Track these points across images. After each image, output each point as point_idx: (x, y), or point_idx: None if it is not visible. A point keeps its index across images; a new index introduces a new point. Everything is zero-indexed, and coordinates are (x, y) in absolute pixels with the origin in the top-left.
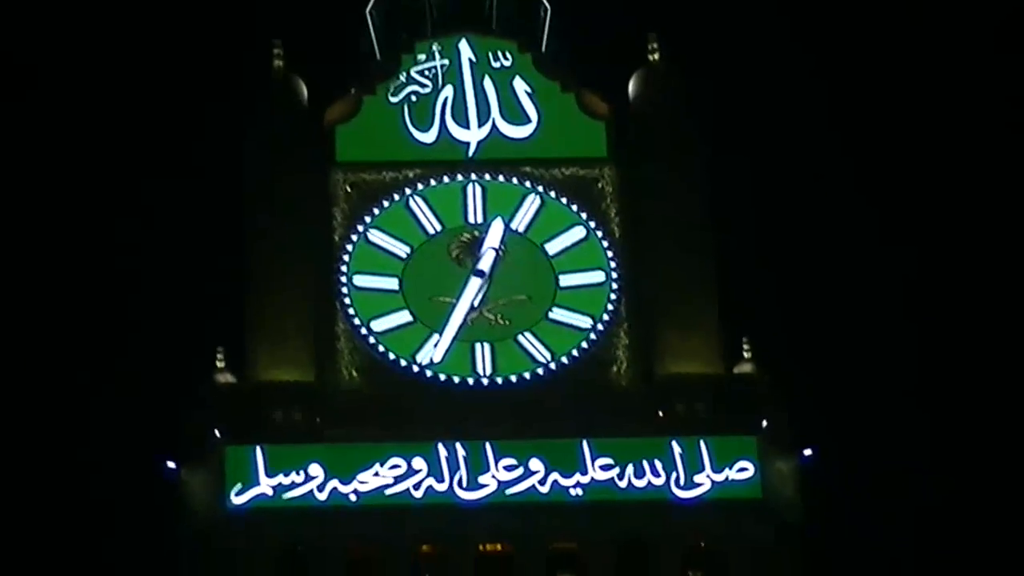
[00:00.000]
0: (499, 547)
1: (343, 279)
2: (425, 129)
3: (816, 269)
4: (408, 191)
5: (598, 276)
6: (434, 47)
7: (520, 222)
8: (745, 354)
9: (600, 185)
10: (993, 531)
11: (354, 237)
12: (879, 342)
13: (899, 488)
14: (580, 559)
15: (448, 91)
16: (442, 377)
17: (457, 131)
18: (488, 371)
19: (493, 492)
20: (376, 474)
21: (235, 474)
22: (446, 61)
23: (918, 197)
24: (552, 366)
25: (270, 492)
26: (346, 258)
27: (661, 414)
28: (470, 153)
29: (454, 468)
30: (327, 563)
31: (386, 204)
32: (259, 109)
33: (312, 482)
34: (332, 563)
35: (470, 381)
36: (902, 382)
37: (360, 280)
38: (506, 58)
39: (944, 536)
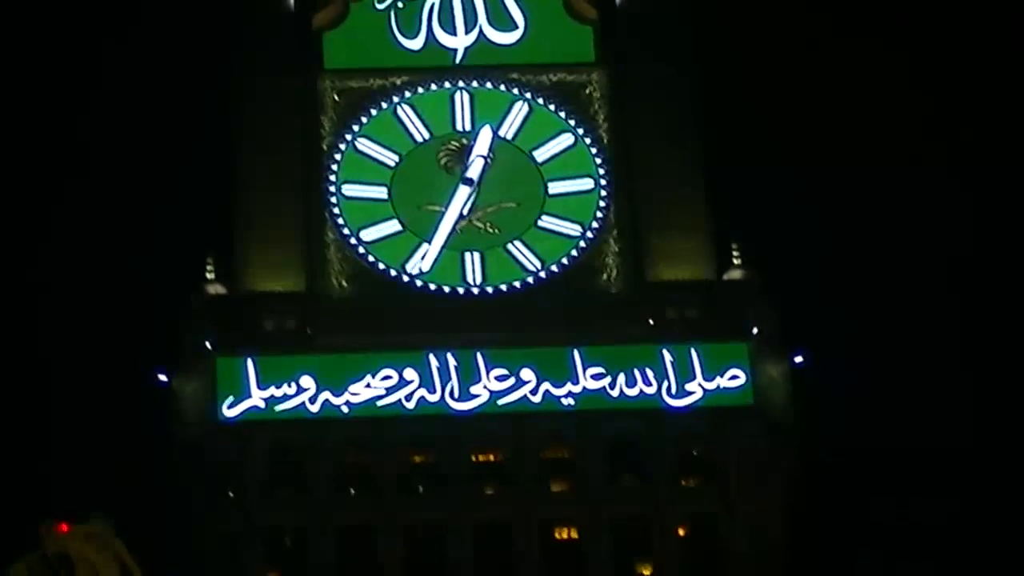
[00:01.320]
0: (491, 456)
1: (332, 188)
2: (412, 35)
3: (808, 173)
4: (396, 98)
5: (587, 183)
6: None
7: (508, 129)
8: (735, 260)
9: (588, 90)
10: (987, 431)
11: (342, 146)
12: (872, 244)
13: (891, 391)
14: (572, 467)
15: None
16: (432, 286)
17: (444, 37)
18: (478, 280)
19: (485, 402)
20: (368, 385)
21: (226, 386)
22: None
23: (913, 85)
24: (542, 274)
25: (262, 404)
26: (335, 167)
27: (652, 321)
28: (457, 59)
29: (445, 378)
30: (319, 475)
31: (374, 112)
32: (246, 13)
33: (304, 394)
34: (324, 474)
35: (460, 290)
36: (895, 286)
37: (349, 189)
38: None
39: (937, 439)
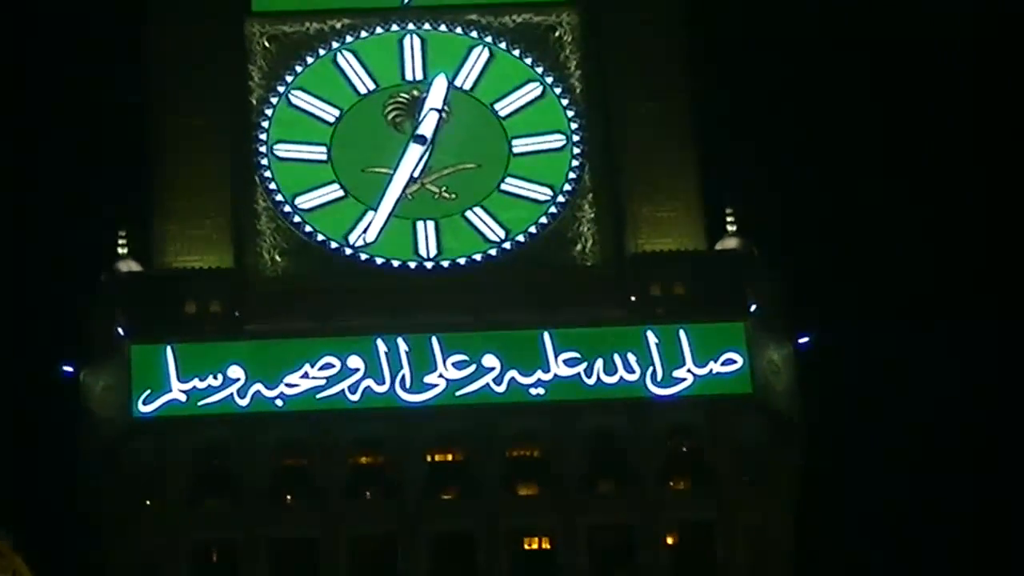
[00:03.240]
0: (449, 456)
1: (263, 149)
2: None
3: (813, 127)
4: (336, 44)
5: (558, 140)
6: None
7: (466, 79)
8: (729, 227)
9: (559, 33)
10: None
11: (274, 100)
12: (887, 208)
13: (912, 377)
14: (544, 468)
15: None
16: (379, 260)
17: None
18: (432, 252)
19: (441, 393)
20: (305, 375)
21: (142, 378)
22: None
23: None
24: (506, 245)
25: (183, 398)
26: (266, 124)
27: (634, 299)
28: None
29: (396, 366)
30: (250, 478)
31: (310, 60)
32: None
33: (232, 386)
34: (256, 478)
35: (411, 264)
36: (914, 256)
37: (283, 150)
38: None
39: (964, 431)
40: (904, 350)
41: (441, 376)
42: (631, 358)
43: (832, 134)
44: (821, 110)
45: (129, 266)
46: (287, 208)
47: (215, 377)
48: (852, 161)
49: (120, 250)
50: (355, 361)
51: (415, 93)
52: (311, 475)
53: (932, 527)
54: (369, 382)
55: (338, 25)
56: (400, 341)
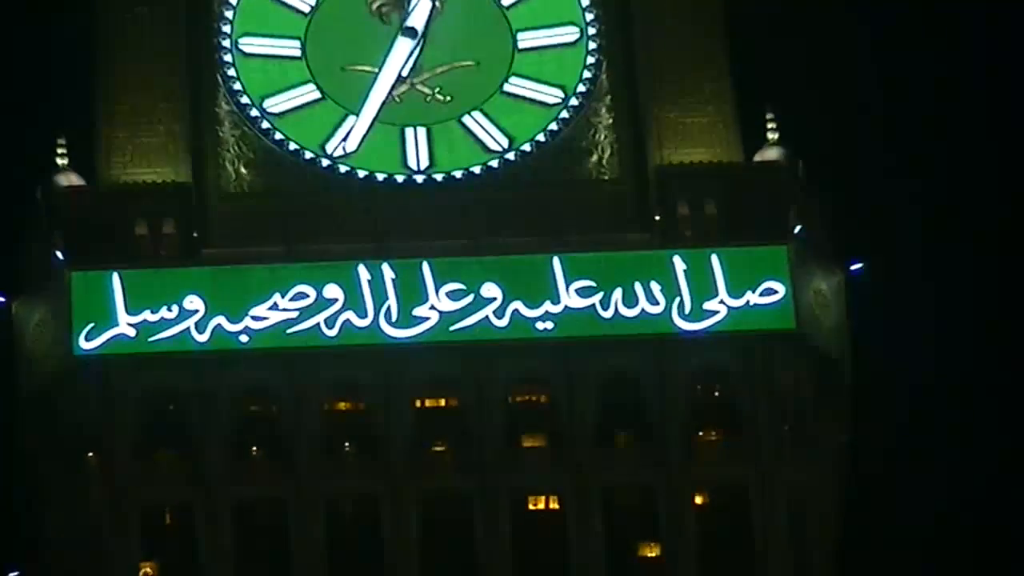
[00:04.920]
0: (442, 402)
1: (225, 43)
2: None
3: (866, 12)
4: None
5: (570, 33)
6: None
7: None
8: (770, 135)
9: None
10: None
11: None
12: (954, 109)
13: (981, 315)
14: (552, 416)
15: None
16: (361, 173)
17: None
18: (423, 164)
19: (433, 328)
20: (275, 307)
21: (84, 309)
22: None
23: None
24: (510, 156)
25: (132, 332)
26: (229, 14)
27: (658, 218)
28: None
29: (380, 297)
30: (210, 428)
31: None
32: None
33: (189, 319)
34: (216, 428)
35: (399, 178)
36: (984, 172)
37: (249, 44)
38: None
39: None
40: (974, 281)
41: (433, 308)
42: (655, 288)
43: (893, 25)
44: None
45: (69, 179)
46: (254, 112)
47: (169, 309)
48: (916, 60)
49: (58, 160)
50: (333, 291)
51: None
52: (280, 425)
53: (994, 483)
54: (349, 315)
55: None
56: (385, 267)
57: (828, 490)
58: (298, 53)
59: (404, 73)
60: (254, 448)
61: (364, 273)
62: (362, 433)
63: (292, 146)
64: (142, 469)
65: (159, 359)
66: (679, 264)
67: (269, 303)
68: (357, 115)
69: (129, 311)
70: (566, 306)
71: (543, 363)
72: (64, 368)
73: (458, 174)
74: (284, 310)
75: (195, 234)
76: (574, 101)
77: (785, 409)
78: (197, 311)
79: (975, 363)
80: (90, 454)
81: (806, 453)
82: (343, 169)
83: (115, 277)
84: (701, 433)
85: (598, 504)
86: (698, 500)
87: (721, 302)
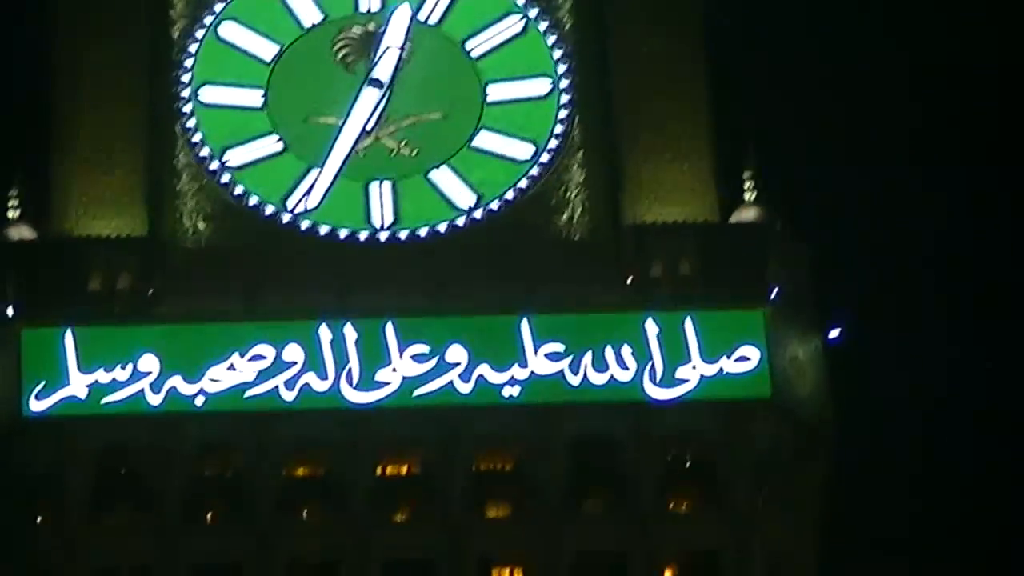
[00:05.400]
0: (405, 467)
1: (185, 92)
2: None
3: (846, 72)
4: None
5: (542, 86)
6: None
7: (432, 10)
8: (747, 194)
9: None
10: None
11: (200, 32)
12: (932, 177)
13: (960, 380)
14: (519, 482)
15: None
16: (324, 229)
17: None
18: (388, 220)
19: (395, 392)
20: (232, 368)
21: (35, 368)
22: None
23: None
24: (477, 213)
25: (84, 393)
26: (189, 63)
27: (631, 279)
28: None
29: (342, 359)
30: (166, 492)
31: None
32: None
33: (143, 379)
34: (173, 492)
35: (362, 235)
36: (963, 232)
37: (209, 93)
38: None
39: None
40: (953, 347)
41: (396, 371)
42: (626, 352)
43: (872, 84)
44: (856, 52)
45: (21, 232)
46: (213, 164)
47: (123, 368)
48: (894, 125)
49: (10, 212)
50: (293, 351)
51: (370, 27)
52: (238, 486)
53: (973, 551)
54: (309, 377)
55: None
56: (348, 328)
57: (804, 555)
58: (260, 103)
59: (369, 126)
60: (210, 510)
61: (325, 333)
62: (323, 497)
63: (252, 200)
64: (94, 530)
65: (112, 420)
66: (652, 327)
67: (226, 363)
68: (320, 168)
69: (82, 369)
70: (533, 371)
71: (509, 428)
72: (12, 429)
73: (423, 231)
74: (242, 371)
75: (151, 290)
76: (545, 156)
77: (761, 473)
78: (151, 371)
79: (955, 428)
80: (40, 515)
81: (782, 517)
82: (305, 225)
83: (67, 334)
84: (673, 500)
85: (567, 572)
86: (667, 573)
87: (694, 368)
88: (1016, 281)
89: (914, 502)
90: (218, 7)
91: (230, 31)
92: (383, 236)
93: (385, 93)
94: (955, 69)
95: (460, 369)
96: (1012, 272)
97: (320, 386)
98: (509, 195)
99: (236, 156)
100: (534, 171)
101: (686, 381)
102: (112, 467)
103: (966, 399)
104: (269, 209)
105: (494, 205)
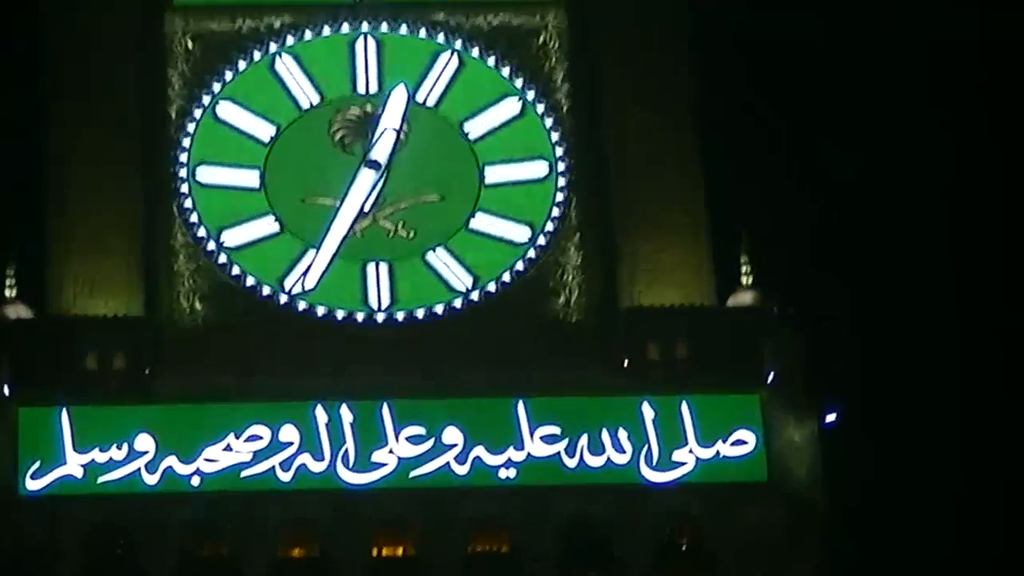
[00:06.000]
0: (400, 549)
1: (182, 172)
2: None
3: (841, 161)
4: (273, 46)
5: (539, 168)
6: None
7: (429, 92)
8: (744, 278)
9: (543, 38)
10: None
11: (197, 112)
12: (929, 259)
13: (958, 462)
14: (514, 565)
15: None
16: (320, 310)
17: None
18: (384, 302)
19: (391, 474)
20: (228, 448)
21: (31, 447)
22: None
23: None
24: (474, 296)
25: (79, 473)
26: (186, 143)
27: (627, 363)
28: None
29: (338, 440)
30: (158, 570)
31: (242, 65)
32: None
33: (139, 459)
34: (165, 569)
35: (359, 316)
36: (968, 315)
37: (206, 173)
38: None
39: (1011, 527)
40: (955, 431)
41: (392, 452)
42: (622, 435)
43: (876, 165)
44: (859, 133)
45: (17, 311)
46: (210, 245)
47: (119, 448)
48: (899, 204)
49: (7, 292)
50: (289, 432)
51: (368, 108)
52: (232, 568)
53: None
54: (305, 458)
55: (277, 23)
56: (344, 409)
57: None
58: (257, 184)
59: (366, 207)
60: None
61: (321, 414)
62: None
63: (249, 281)
64: None
65: (108, 500)
66: (648, 411)
67: (222, 444)
68: (317, 249)
69: (77, 449)
70: (530, 453)
71: (506, 511)
72: (8, 507)
73: (420, 313)
74: (238, 452)
75: (147, 370)
76: (542, 239)
77: (757, 559)
78: (147, 451)
79: (953, 510)
80: None
81: None
82: (301, 306)
83: (63, 413)
84: None
85: None
86: None
87: (691, 451)
88: (1012, 362)
89: None
90: (216, 87)
91: (228, 111)
92: (380, 317)
93: (382, 174)
94: (957, 143)
95: (456, 451)
96: (1010, 351)
97: (316, 467)
98: (506, 277)
99: (233, 236)
100: (531, 254)
101: (683, 464)
102: (105, 546)
103: (970, 481)
104: (266, 290)
105: (491, 287)
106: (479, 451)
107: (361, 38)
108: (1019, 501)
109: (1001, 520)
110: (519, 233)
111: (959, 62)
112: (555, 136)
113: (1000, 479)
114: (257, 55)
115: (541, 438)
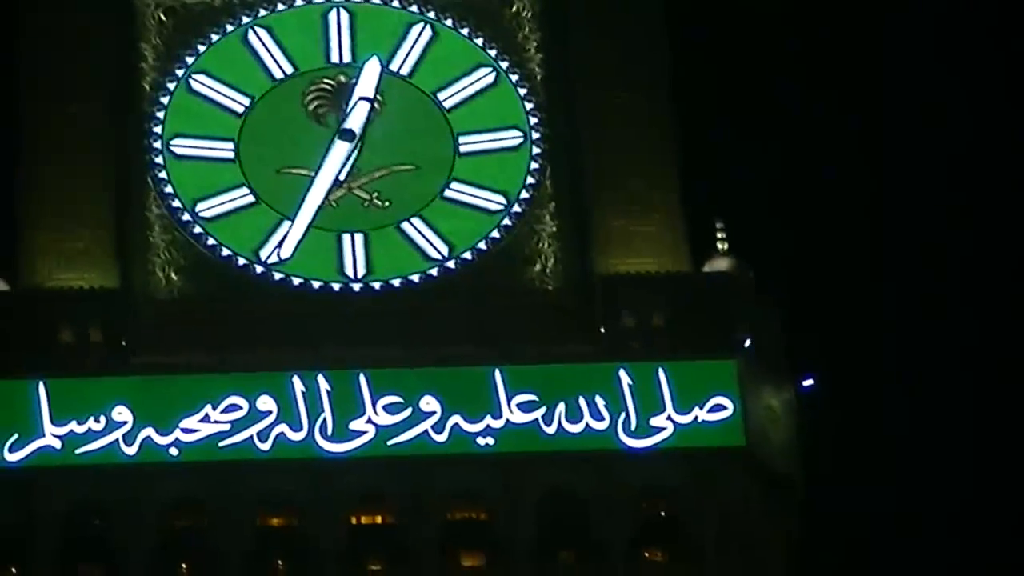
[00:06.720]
0: (378, 518)
1: (156, 144)
2: None
3: (819, 126)
4: (246, 19)
5: (513, 137)
6: None
7: (403, 62)
8: (720, 244)
9: (515, 8)
10: None
11: (171, 85)
12: (904, 229)
13: (934, 430)
14: (491, 533)
15: None
16: (296, 280)
17: None
18: (360, 271)
19: (369, 442)
20: (206, 419)
21: (9, 420)
22: None
23: None
24: (449, 264)
25: (57, 444)
26: (160, 115)
27: (603, 330)
28: None
29: (315, 409)
30: (135, 542)
31: (215, 38)
32: None
33: (117, 430)
34: (142, 542)
35: (335, 286)
36: (938, 283)
37: (181, 145)
38: None
39: (983, 493)
40: (928, 395)
41: (370, 422)
42: (599, 402)
43: (844, 132)
44: (828, 102)
45: None
46: (185, 216)
47: (96, 420)
48: (867, 168)
49: None
50: (266, 402)
51: (341, 79)
52: (210, 539)
53: None
54: (283, 428)
55: None
56: (320, 379)
57: None
58: (231, 155)
59: (341, 177)
60: (182, 564)
61: (298, 384)
62: (294, 549)
63: (225, 252)
64: None
65: (85, 471)
66: (625, 378)
67: (200, 415)
68: (292, 220)
69: (55, 422)
70: (508, 420)
71: (482, 479)
72: None
73: (396, 282)
74: (215, 422)
75: (123, 342)
76: (517, 208)
77: (734, 526)
78: (125, 422)
79: (926, 477)
80: (12, 568)
81: (755, 570)
82: (277, 276)
83: (40, 386)
84: (646, 553)
85: None
86: None
87: (668, 418)
88: (990, 328)
89: (884, 552)
90: (189, 60)
91: (201, 83)
92: (356, 287)
93: (356, 145)
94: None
95: (434, 419)
96: (989, 318)
97: (294, 436)
98: (481, 246)
99: (208, 208)
100: (506, 222)
101: (661, 430)
102: (82, 520)
103: (942, 448)
104: (241, 261)
105: (466, 256)
106: (456, 419)
107: (334, 9)
108: (999, 466)
109: (973, 482)
110: (494, 202)
111: (926, 22)
112: (529, 105)
113: (979, 443)
114: (230, 27)
115: (518, 405)
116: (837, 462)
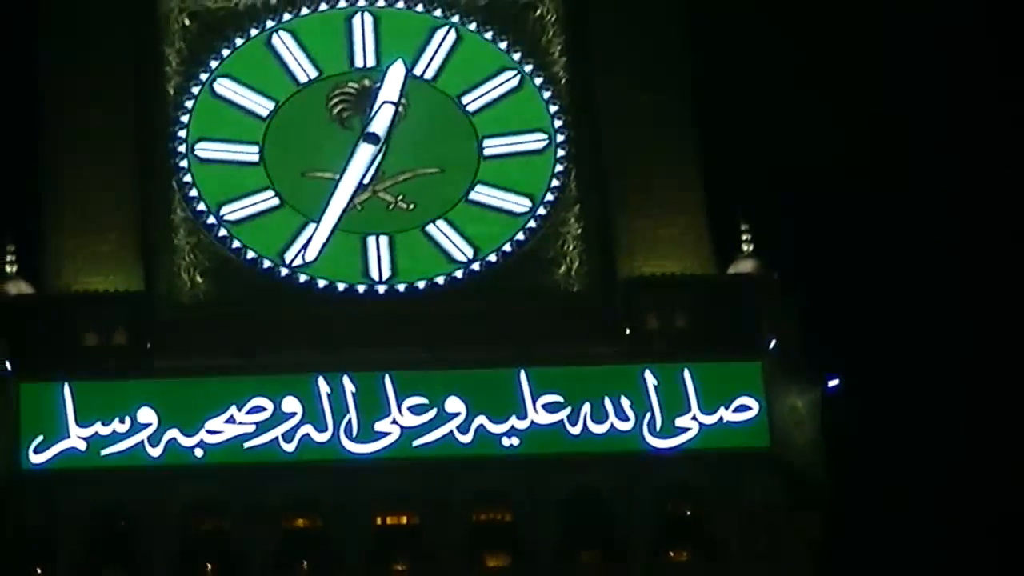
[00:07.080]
0: (403, 519)
1: (181, 148)
2: None
3: (843, 124)
4: (270, 23)
5: (538, 140)
6: None
7: (427, 66)
8: (745, 247)
9: (540, 11)
10: None
11: (195, 89)
12: (934, 222)
13: (952, 431)
14: (516, 535)
15: None
16: (321, 283)
17: None
18: (385, 274)
19: (394, 443)
20: (231, 420)
21: (33, 422)
22: None
23: None
24: (474, 266)
25: (82, 446)
26: (185, 119)
27: (628, 332)
28: None
29: (340, 411)
30: (160, 544)
31: (239, 42)
32: None
33: (142, 432)
34: (169, 546)
35: (360, 288)
36: (966, 284)
37: (205, 149)
38: None
39: (1011, 494)
40: (955, 398)
41: (395, 423)
42: (624, 403)
43: (873, 133)
44: (857, 104)
45: (18, 287)
46: (210, 219)
47: (121, 421)
48: (894, 168)
49: (7, 268)
50: (291, 404)
51: (366, 83)
52: (235, 541)
53: None
54: (308, 429)
55: (273, 0)
56: (345, 380)
57: None
58: (256, 158)
59: (366, 180)
60: (208, 565)
61: (323, 386)
62: (320, 550)
63: (250, 255)
64: None
65: (109, 473)
66: (650, 379)
67: (225, 416)
68: (317, 223)
69: (79, 423)
70: (533, 421)
71: (508, 480)
72: (11, 482)
73: (421, 285)
74: (240, 423)
75: (148, 344)
76: (542, 210)
77: (758, 528)
78: (150, 424)
79: (952, 478)
80: (38, 569)
81: (779, 572)
82: (302, 279)
83: (65, 388)
84: (670, 554)
85: None
86: None
87: (693, 418)
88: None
89: (911, 554)
90: (213, 64)
91: (225, 87)
92: (380, 290)
93: (381, 148)
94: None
95: (459, 420)
96: (1019, 319)
97: (319, 437)
98: (506, 248)
99: (233, 211)
100: (531, 225)
101: (687, 430)
102: (107, 522)
103: (971, 449)
104: (266, 264)
105: (491, 258)
106: (482, 420)
107: (358, 14)
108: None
109: (1003, 486)
110: (519, 204)
111: (961, 15)
112: (553, 109)
113: (1003, 445)
114: (254, 32)
115: (543, 406)
116: (862, 463)
